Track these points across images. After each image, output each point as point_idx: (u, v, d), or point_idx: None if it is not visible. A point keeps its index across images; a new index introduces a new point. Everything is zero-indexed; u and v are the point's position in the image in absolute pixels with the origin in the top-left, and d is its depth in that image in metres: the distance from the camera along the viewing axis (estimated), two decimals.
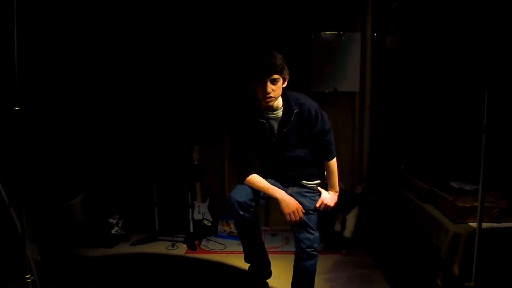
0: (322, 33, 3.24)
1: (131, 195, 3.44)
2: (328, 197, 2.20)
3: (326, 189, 2.25)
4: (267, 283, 2.35)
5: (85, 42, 3.26)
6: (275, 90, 1.98)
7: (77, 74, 3.31)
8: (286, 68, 2.01)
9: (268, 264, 2.31)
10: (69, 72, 3.30)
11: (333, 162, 2.20)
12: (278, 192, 2.05)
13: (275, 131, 2.11)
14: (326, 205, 2.17)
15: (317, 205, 2.15)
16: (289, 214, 2.00)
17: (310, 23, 3.25)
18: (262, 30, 3.22)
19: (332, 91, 3.28)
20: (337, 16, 3.25)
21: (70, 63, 3.29)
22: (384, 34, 3.27)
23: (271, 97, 1.98)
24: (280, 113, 2.09)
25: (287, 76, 2.03)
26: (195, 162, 3.20)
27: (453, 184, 2.36)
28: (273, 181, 2.17)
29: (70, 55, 3.27)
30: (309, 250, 2.02)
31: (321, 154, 2.19)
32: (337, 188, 2.24)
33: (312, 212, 2.11)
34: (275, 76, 1.96)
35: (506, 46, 2.11)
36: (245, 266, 2.34)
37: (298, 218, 2.00)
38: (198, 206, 3.29)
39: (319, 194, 2.21)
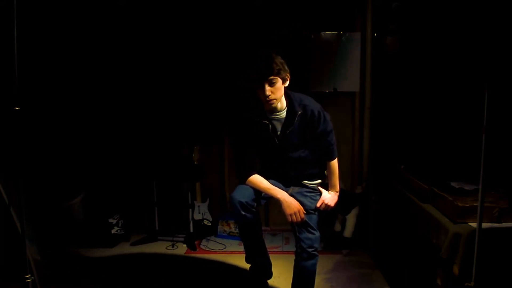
0: (322, 33, 3.24)
1: (131, 195, 3.44)
2: (329, 197, 2.20)
3: (327, 189, 2.25)
4: (267, 283, 2.35)
5: (85, 42, 3.26)
6: (274, 91, 1.97)
7: (77, 74, 3.31)
8: (285, 68, 2.00)
9: (269, 265, 2.31)
10: (69, 72, 3.30)
11: (335, 163, 2.21)
12: (280, 193, 2.04)
13: (278, 132, 2.11)
14: (326, 205, 2.17)
15: (318, 205, 2.15)
16: (291, 215, 2.00)
17: (310, 23, 3.25)
18: (262, 30, 3.22)
19: (332, 91, 3.28)
20: (337, 16, 3.25)
21: (70, 63, 3.29)
22: (384, 34, 3.27)
23: (272, 99, 1.98)
24: (283, 114, 2.09)
25: (287, 77, 2.02)
26: (195, 162, 3.20)
27: (453, 184, 2.36)
28: (274, 181, 2.17)
29: (70, 55, 3.27)
30: (309, 250, 2.02)
31: (323, 155, 2.20)
32: (338, 188, 2.25)
33: (312, 212, 2.11)
34: (272, 78, 1.95)
35: (506, 46, 2.11)
36: (245, 266, 2.34)
37: (299, 219, 2.00)
38: (198, 206, 3.29)
39: (320, 194, 2.21)
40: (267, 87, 1.95)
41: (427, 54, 2.99)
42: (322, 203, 2.17)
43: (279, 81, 1.98)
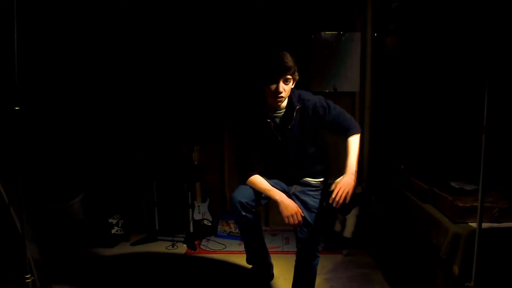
0: (322, 33, 3.24)
1: (131, 195, 3.44)
2: (343, 181, 1.94)
3: (328, 191, 2.20)
4: (268, 284, 2.35)
5: (85, 42, 3.26)
6: (286, 90, 2.00)
7: (77, 74, 3.31)
8: (296, 69, 2.02)
9: (270, 266, 2.30)
10: (69, 72, 3.30)
11: (355, 138, 2.06)
12: (278, 194, 2.04)
13: (280, 130, 2.11)
14: (342, 191, 1.91)
15: (333, 195, 1.90)
16: (288, 217, 1.98)
17: (310, 23, 3.25)
18: (262, 29, 3.23)
19: (332, 91, 3.28)
20: (337, 16, 3.25)
21: (70, 63, 3.29)
22: (384, 34, 3.27)
23: (282, 96, 2.00)
24: (284, 111, 2.10)
25: (297, 78, 2.05)
26: (195, 162, 3.20)
27: (453, 184, 2.36)
28: (276, 180, 2.16)
29: (70, 55, 3.27)
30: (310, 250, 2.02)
31: (343, 132, 2.10)
32: (353, 169, 1.99)
33: (315, 211, 2.10)
34: (288, 76, 1.97)
35: (507, 45, 2.11)
36: (246, 266, 2.34)
37: (297, 221, 1.98)
38: (198, 206, 3.30)
39: (322, 192, 2.20)
40: (282, 84, 1.96)
41: (427, 54, 2.99)
42: (337, 192, 1.90)
43: (291, 80, 2.01)
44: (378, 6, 3.21)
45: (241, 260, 2.74)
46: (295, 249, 2.15)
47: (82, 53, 3.27)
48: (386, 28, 3.25)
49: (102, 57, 3.29)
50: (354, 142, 2.07)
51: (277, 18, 3.24)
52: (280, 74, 1.95)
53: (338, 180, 1.97)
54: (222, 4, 3.22)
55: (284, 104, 2.09)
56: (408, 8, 3.11)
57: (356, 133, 2.09)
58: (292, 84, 2.04)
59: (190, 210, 3.27)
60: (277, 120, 2.11)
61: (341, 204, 1.92)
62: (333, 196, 1.92)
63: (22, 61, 1.66)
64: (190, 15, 3.25)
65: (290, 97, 2.09)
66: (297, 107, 2.06)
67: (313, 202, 2.12)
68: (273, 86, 1.97)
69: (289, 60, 1.97)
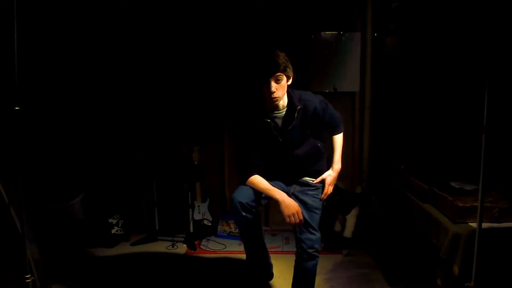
0: (322, 33, 3.24)
1: (131, 195, 3.44)
2: (332, 179, 2.25)
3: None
4: (267, 284, 2.35)
5: (85, 42, 3.26)
6: (279, 88, 1.97)
7: (77, 74, 3.31)
8: (289, 66, 2.00)
9: (269, 266, 2.31)
10: (69, 72, 3.30)
11: (340, 136, 2.33)
12: (279, 194, 2.04)
13: (281, 130, 2.10)
14: (329, 185, 2.22)
15: (324, 194, 2.21)
16: (289, 217, 1.98)
17: (310, 23, 3.25)
18: (262, 29, 3.23)
19: (332, 91, 3.27)
20: (337, 16, 3.25)
21: (70, 63, 3.29)
22: (384, 34, 3.27)
23: (276, 96, 1.98)
24: (284, 112, 2.09)
25: (291, 74, 2.02)
26: (195, 162, 3.20)
27: (453, 184, 2.36)
28: (276, 181, 2.16)
29: (70, 55, 3.27)
30: (310, 250, 2.02)
31: (330, 131, 2.30)
32: (340, 166, 2.29)
33: (315, 210, 2.10)
34: (279, 74, 1.95)
35: (507, 46, 2.11)
36: (246, 266, 2.34)
37: (297, 220, 1.98)
38: (198, 206, 3.30)
39: (322, 191, 2.20)
40: (273, 84, 1.95)
41: (427, 54, 2.99)
42: (329, 186, 2.22)
43: (284, 78, 1.98)
44: (378, 6, 3.21)
45: (241, 260, 2.74)
46: (295, 249, 2.15)
47: (82, 53, 3.27)
48: (386, 28, 3.25)
49: (102, 57, 3.29)
50: (340, 140, 2.32)
51: (277, 18, 3.24)
52: (270, 73, 1.94)
53: (325, 176, 2.23)
54: (223, 4, 3.22)
55: (284, 104, 2.08)
56: (408, 8, 3.11)
57: (342, 132, 2.32)
58: (287, 82, 2.02)
59: (190, 210, 3.27)
60: (278, 120, 2.10)
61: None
62: (326, 191, 2.21)
63: (22, 61, 1.66)
64: (190, 15, 3.25)
65: (290, 97, 2.08)
66: (298, 107, 2.06)
67: (313, 201, 2.12)
68: (265, 86, 1.96)
69: (278, 58, 1.95)
